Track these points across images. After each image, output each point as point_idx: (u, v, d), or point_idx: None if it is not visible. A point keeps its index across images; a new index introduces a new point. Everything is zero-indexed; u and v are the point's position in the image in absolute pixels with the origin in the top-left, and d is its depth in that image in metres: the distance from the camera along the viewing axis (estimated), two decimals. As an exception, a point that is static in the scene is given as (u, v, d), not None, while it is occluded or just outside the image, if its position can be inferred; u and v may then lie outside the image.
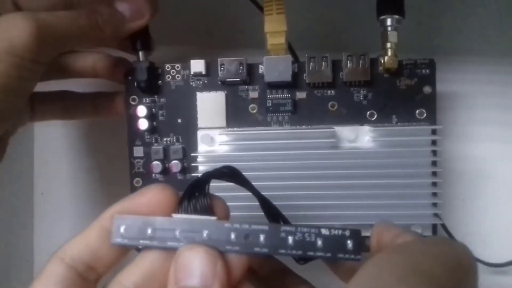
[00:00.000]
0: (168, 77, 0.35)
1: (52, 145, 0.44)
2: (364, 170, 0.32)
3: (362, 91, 0.34)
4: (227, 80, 0.34)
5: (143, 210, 0.20)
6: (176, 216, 0.20)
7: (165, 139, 0.35)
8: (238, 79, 0.34)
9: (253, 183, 0.33)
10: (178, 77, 0.35)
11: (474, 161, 0.39)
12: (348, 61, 0.33)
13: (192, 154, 0.34)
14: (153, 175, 0.35)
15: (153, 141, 0.35)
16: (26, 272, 0.44)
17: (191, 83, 0.35)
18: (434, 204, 0.33)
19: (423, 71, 0.33)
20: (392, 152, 0.33)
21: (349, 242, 0.19)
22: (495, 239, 0.39)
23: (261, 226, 0.20)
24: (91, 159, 0.44)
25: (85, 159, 0.44)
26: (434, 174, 0.33)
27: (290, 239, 0.19)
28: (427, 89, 0.33)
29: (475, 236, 0.39)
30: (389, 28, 0.32)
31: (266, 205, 0.23)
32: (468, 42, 0.39)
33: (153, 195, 0.20)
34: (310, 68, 0.33)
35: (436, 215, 0.33)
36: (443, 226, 0.36)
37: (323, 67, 0.33)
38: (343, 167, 0.33)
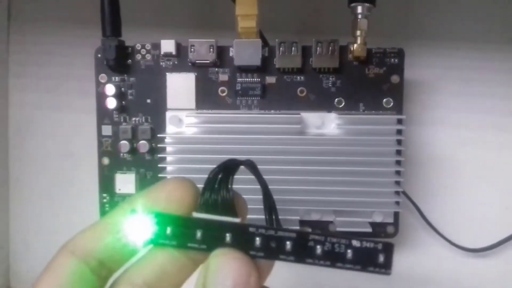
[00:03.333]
0: (138, 57, 0.34)
1: (27, 130, 0.44)
2: (329, 156, 0.33)
3: (331, 78, 0.34)
4: (197, 61, 0.34)
5: (161, 206, 0.18)
6: (197, 215, 0.18)
7: (133, 118, 0.35)
8: (208, 61, 0.34)
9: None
10: (148, 56, 0.34)
11: (444, 147, 0.40)
12: (318, 47, 0.33)
13: (159, 135, 0.34)
14: (121, 154, 0.35)
15: (122, 120, 0.35)
16: (1, 259, 0.44)
17: (161, 63, 0.34)
18: (397, 192, 0.34)
19: (392, 60, 0.34)
20: (357, 140, 0.33)
21: (380, 256, 0.18)
22: (472, 223, 0.40)
23: (289, 232, 0.18)
24: (65, 143, 0.43)
25: (59, 143, 0.43)
26: (398, 163, 0.33)
27: (319, 249, 0.18)
28: (395, 78, 0.34)
29: (453, 221, 0.40)
30: (360, 16, 0.32)
31: (268, 199, 0.21)
32: (436, 29, 0.39)
33: (171, 190, 0.19)
34: (280, 53, 0.33)
35: (397, 203, 0.34)
36: (404, 192, 0.37)
37: (293, 53, 0.33)
38: (308, 153, 0.33)
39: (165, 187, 0.19)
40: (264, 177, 0.32)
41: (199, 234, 0.18)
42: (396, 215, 0.34)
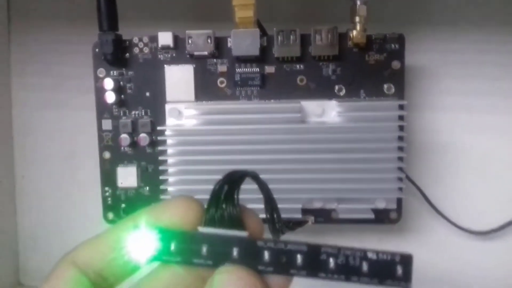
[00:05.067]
0: (135, 50, 0.34)
1: (30, 128, 0.44)
2: (330, 144, 0.33)
3: (330, 66, 0.34)
4: (195, 53, 0.33)
5: (165, 223, 0.18)
6: (203, 229, 0.18)
7: (133, 112, 0.35)
8: (206, 53, 0.33)
9: (219, 157, 0.33)
10: (146, 50, 0.34)
11: (447, 132, 0.39)
12: (317, 35, 0.33)
13: (158, 128, 0.34)
14: (122, 148, 0.35)
15: (121, 114, 0.35)
16: (10, 256, 0.44)
17: (159, 56, 0.34)
18: (400, 178, 0.33)
19: (392, 46, 0.33)
20: (359, 127, 0.33)
21: (398, 268, 0.17)
22: (477, 207, 0.39)
23: (299, 245, 0.17)
24: (68, 140, 0.43)
25: (62, 141, 0.43)
26: (400, 149, 0.33)
27: (332, 262, 0.17)
28: (395, 64, 0.33)
29: (458, 205, 0.39)
30: (358, 2, 0.32)
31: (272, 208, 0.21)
32: (436, 12, 0.39)
33: (175, 207, 0.18)
34: (279, 42, 0.33)
35: (400, 189, 0.33)
36: (407, 177, 0.36)
37: (291, 41, 0.33)
38: (309, 142, 0.33)
39: (169, 205, 0.19)
40: (266, 166, 0.33)
41: (204, 249, 0.17)
42: (399, 201, 0.34)
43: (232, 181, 0.18)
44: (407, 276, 0.17)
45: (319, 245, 0.17)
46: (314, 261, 0.17)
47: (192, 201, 0.18)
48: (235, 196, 0.18)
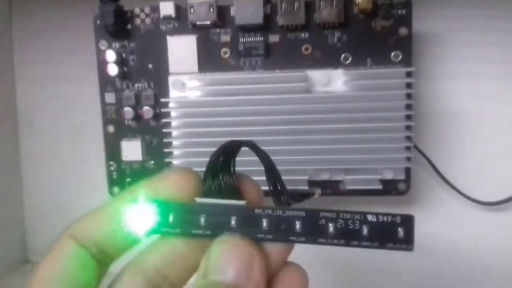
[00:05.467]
0: (137, 21, 0.34)
1: (34, 105, 0.44)
2: (337, 114, 0.32)
3: (336, 34, 0.33)
4: (198, 23, 0.33)
5: (163, 196, 0.18)
6: (200, 200, 0.18)
7: (136, 85, 0.34)
8: (209, 22, 0.33)
9: (224, 129, 0.33)
10: (147, 20, 0.34)
11: (456, 101, 0.38)
12: (322, 2, 0.32)
13: (162, 100, 0.33)
14: (126, 121, 0.35)
15: (124, 87, 0.34)
16: (18, 233, 0.44)
17: (161, 27, 0.34)
18: (408, 148, 0.33)
19: (399, 11, 0.32)
20: (366, 96, 0.32)
21: (400, 230, 0.17)
22: (487, 177, 0.39)
23: (297, 212, 0.17)
24: (72, 116, 0.43)
25: (67, 116, 0.43)
26: (408, 117, 0.32)
27: (331, 227, 0.17)
28: (403, 31, 0.32)
29: (467, 176, 0.39)
30: (364, -34, 0.31)
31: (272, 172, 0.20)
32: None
33: (173, 179, 0.18)
34: (283, 10, 0.32)
35: (408, 158, 0.33)
36: (415, 147, 0.35)
37: (296, 9, 0.32)
38: (316, 112, 0.32)
39: (167, 177, 0.18)
40: (271, 138, 0.32)
41: (202, 220, 0.17)
42: (408, 171, 0.34)
43: (229, 151, 0.18)
44: (409, 238, 0.17)
45: (317, 210, 0.17)
46: (313, 227, 0.17)
47: (189, 172, 0.18)
48: (232, 166, 0.18)
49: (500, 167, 0.38)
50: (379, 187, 0.33)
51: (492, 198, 0.38)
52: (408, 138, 0.33)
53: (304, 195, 0.34)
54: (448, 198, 0.39)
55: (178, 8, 0.33)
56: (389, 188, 0.34)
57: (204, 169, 0.18)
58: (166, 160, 0.34)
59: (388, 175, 0.33)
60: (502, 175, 0.38)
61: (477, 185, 0.38)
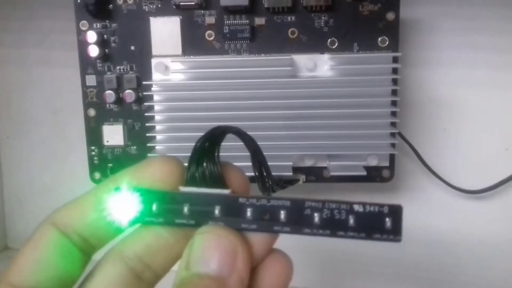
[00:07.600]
0: (119, 1, 0.33)
1: (13, 87, 0.42)
2: (322, 99, 0.32)
3: (323, 17, 0.32)
4: (181, 3, 0.32)
5: (146, 184, 0.18)
6: (184, 189, 0.17)
7: (118, 67, 0.34)
8: (193, 3, 0.32)
9: (207, 113, 0.32)
10: (130, 0, 0.33)
11: (442, 88, 0.38)
12: (309, -16, 0.31)
13: (144, 83, 0.33)
14: (107, 105, 0.34)
15: (106, 69, 0.34)
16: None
17: (144, 7, 0.33)
18: (392, 134, 0.33)
19: (387, -4, 0.32)
20: (351, 81, 0.32)
21: (387, 220, 0.16)
22: (470, 166, 0.39)
23: (282, 201, 0.17)
24: (52, 99, 0.42)
25: (47, 99, 0.42)
26: (394, 103, 0.32)
27: (317, 217, 0.16)
28: (390, 16, 0.32)
29: (451, 164, 0.39)
30: (352, -52, 0.30)
31: (260, 163, 0.20)
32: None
33: (156, 168, 0.18)
34: (269, -9, 0.31)
35: (393, 145, 0.33)
36: (399, 134, 0.35)
37: (282, -10, 0.31)
38: (301, 97, 0.32)
39: (150, 165, 0.18)
40: (256, 123, 0.32)
41: (186, 209, 0.17)
42: (392, 158, 0.34)
43: (213, 138, 0.18)
44: (396, 228, 0.16)
45: (302, 199, 0.17)
46: (298, 217, 0.17)
47: (173, 160, 0.18)
48: (216, 153, 0.17)
49: (483, 156, 0.39)
50: (363, 173, 0.33)
51: (475, 186, 0.38)
52: (393, 124, 0.32)
53: (288, 182, 0.34)
54: (432, 185, 0.39)
55: (161, -12, 0.32)
56: (373, 175, 0.34)
57: (187, 154, 0.17)
58: (149, 145, 0.33)
59: (373, 162, 0.33)
60: (485, 163, 0.39)
61: (460, 173, 0.39)
